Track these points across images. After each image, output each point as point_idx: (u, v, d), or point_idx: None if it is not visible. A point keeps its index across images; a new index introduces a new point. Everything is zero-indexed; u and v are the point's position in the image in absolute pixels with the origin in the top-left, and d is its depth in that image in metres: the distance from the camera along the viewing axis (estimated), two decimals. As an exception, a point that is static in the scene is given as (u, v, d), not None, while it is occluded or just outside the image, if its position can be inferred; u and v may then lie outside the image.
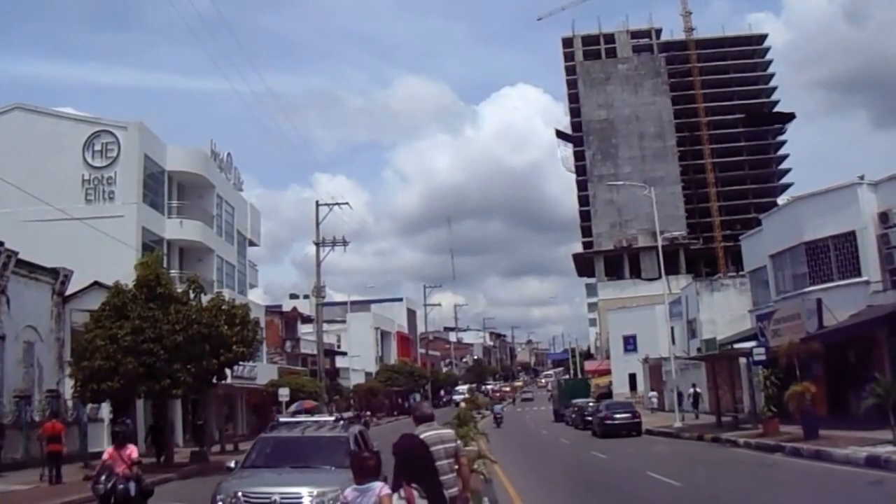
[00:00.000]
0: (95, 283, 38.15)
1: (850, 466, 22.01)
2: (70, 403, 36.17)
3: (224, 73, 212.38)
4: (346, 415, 21.74)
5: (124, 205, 44.47)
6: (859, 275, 35.29)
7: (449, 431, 10.26)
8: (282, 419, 18.83)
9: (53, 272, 38.15)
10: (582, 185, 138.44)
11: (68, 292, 39.19)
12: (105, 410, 36.96)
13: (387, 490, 7.38)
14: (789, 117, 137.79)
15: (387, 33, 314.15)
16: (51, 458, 27.71)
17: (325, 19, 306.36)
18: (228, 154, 57.75)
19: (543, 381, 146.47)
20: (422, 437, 9.46)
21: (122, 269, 34.21)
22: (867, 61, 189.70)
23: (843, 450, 23.75)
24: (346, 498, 7.63)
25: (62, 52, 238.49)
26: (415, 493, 7.40)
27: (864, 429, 26.64)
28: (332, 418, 17.74)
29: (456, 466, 9.75)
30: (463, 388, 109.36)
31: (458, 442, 10.36)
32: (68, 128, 46.24)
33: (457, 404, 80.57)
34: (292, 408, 50.16)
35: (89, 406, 35.88)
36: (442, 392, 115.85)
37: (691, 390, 51.80)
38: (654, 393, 67.48)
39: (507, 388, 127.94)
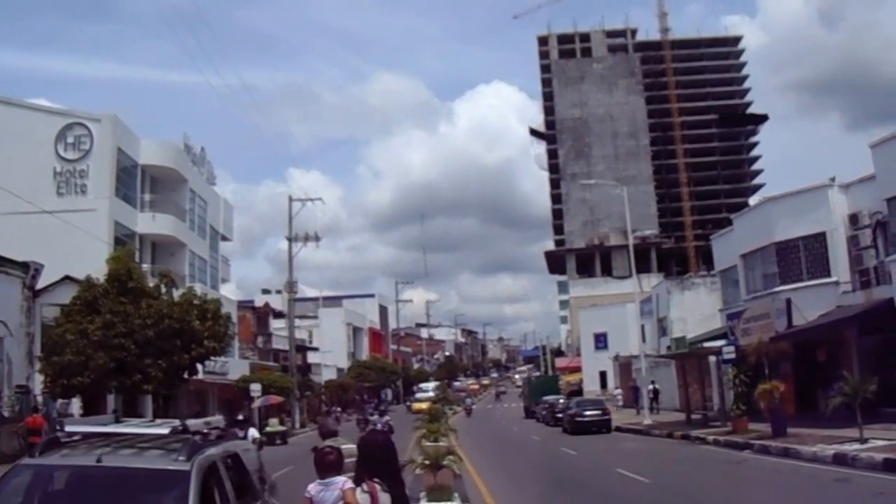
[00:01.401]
0: (66, 277, 37.62)
1: (817, 464, 22.24)
2: (40, 399, 35.83)
3: (199, 66, 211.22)
4: (212, 420, 15.97)
5: (96, 198, 44.00)
6: (829, 275, 35.61)
7: (352, 446, 10.64)
8: (70, 428, 10.19)
9: (24, 266, 37.70)
10: (555, 184, 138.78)
11: (39, 286, 38.69)
12: (75, 406, 36.38)
13: (350, 484, 7.44)
14: (762, 119, 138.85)
15: (363, 29, 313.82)
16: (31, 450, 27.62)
17: (301, 14, 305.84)
18: (202, 148, 57.45)
19: (517, 377, 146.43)
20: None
21: (94, 264, 34.07)
22: (841, 64, 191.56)
23: (810, 447, 23.99)
24: (310, 492, 7.74)
25: (35, 42, 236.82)
26: (377, 487, 7.43)
27: (832, 427, 26.91)
28: (169, 429, 10.47)
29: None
30: (429, 385, 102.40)
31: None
32: (40, 120, 45.62)
33: (408, 407, 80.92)
34: (257, 402, 50.14)
35: (59, 401, 35.56)
36: (414, 388, 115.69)
37: (650, 387, 52.18)
38: (620, 391, 67.81)
39: (476, 386, 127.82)
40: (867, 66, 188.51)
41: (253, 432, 17.35)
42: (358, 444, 8.01)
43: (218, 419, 10.36)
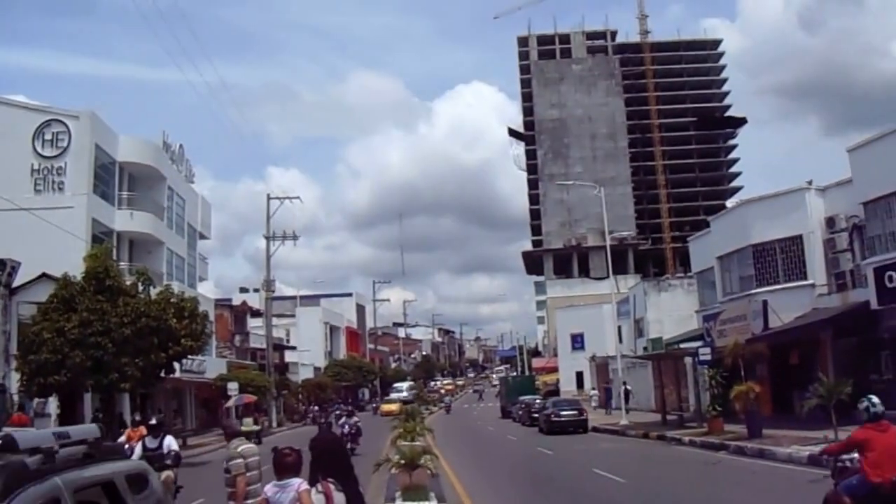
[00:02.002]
0: (43, 274, 37.35)
1: (792, 465, 22.46)
2: (16, 398, 35.64)
3: (179, 64, 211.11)
4: (72, 431, 8.03)
5: (74, 195, 43.58)
6: (805, 278, 35.84)
7: (253, 447, 11.53)
8: None
9: (0, 263, 37.61)
10: (533, 184, 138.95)
11: (15, 284, 38.43)
12: (52, 405, 36.42)
13: (305, 486, 7.56)
14: (741, 122, 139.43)
15: (343, 28, 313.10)
16: None
17: (281, 12, 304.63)
18: (180, 146, 57.18)
19: (494, 377, 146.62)
20: (238, 450, 10.93)
21: (72, 261, 33.95)
22: (820, 69, 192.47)
23: (786, 449, 24.21)
24: (266, 493, 7.84)
25: (13, 38, 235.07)
26: (332, 486, 7.57)
27: (807, 429, 27.10)
28: None
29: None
30: (402, 385, 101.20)
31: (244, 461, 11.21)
32: (18, 116, 45.17)
33: (375, 409, 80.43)
34: (231, 401, 49.86)
35: (36, 400, 35.47)
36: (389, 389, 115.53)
37: (622, 388, 52.61)
38: (596, 391, 67.99)
39: (451, 386, 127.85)
40: (846, 71, 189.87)
41: (171, 443, 15.24)
42: (310, 446, 8.10)
43: (89, 428, 7.16)
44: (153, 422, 18.36)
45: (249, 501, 10.52)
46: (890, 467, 10.04)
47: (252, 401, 51.35)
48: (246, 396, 50.08)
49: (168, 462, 16.82)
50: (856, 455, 10.92)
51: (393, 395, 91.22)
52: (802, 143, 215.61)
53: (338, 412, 51.16)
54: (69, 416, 37.47)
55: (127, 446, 15.41)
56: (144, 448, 16.64)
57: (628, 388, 53.63)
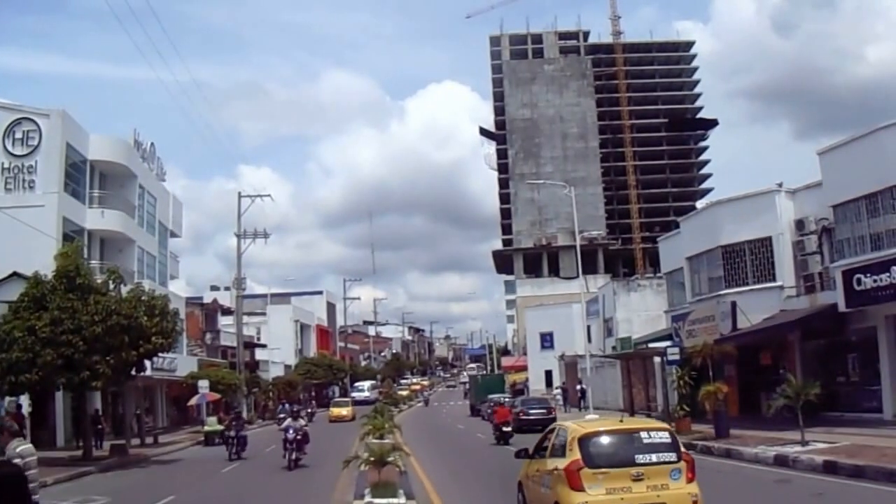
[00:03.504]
0: (14, 273, 37.11)
1: (759, 465, 22.59)
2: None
3: (150, 62, 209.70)
4: None
5: (45, 194, 43.18)
6: (774, 280, 36.02)
7: (31, 447, 11.12)
8: None
9: (-31, 263, 37.34)
10: (504, 183, 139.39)
11: (-14, 284, 38.34)
12: (24, 403, 36.28)
13: None
14: (712, 124, 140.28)
15: (315, 26, 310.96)
16: None
17: (252, 10, 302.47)
18: (152, 144, 56.71)
19: (465, 374, 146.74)
20: (17, 450, 10.57)
21: (42, 260, 33.76)
22: (793, 72, 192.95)
23: (752, 449, 24.33)
24: None
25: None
26: None
27: (775, 430, 27.28)
28: None
29: None
30: (364, 384, 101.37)
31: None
32: (-12, 115, 45.07)
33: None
34: (194, 399, 49.47)
35: (7, 399, 35.42)
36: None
37: (579, 387, 53.41)
38: (559, 391, 68.19)
39: (418, 386, 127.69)
40: (818, 74, 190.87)
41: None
42: None
43: None
44: None
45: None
46: None
47: (216, 398, 50.82)
48: (209, 394, 49.47)
49: None
50: None
51: (354, 395, 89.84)
52: (773, 146, 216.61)
53: (281, 415, 48.91)
54: (41, 415, 37.30)
55: None
56: None
57: (584, 387, 55.52)
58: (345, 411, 63.38)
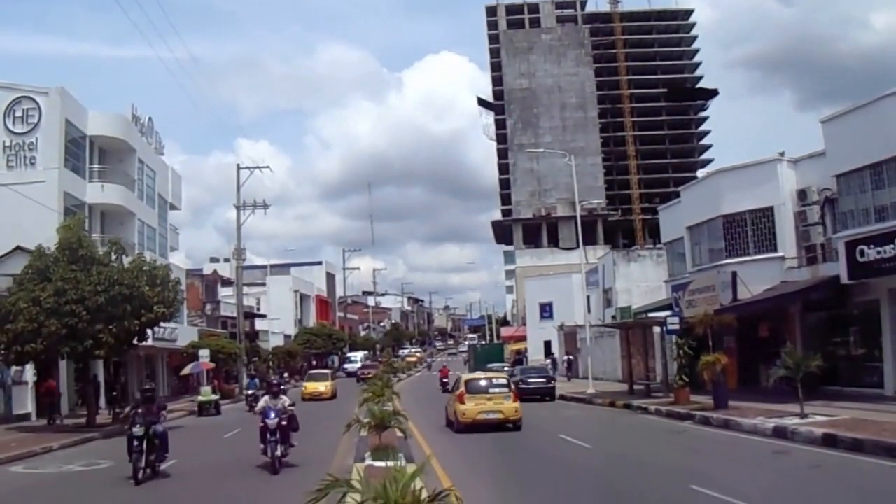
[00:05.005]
0: (18, 247, 37.78)
1: (757, 436, 22.54)
2: (-7, 367, 35.96)
3: (147, 39, 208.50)
4: None
5: (46, 170, 43.75)
6: (775, 250, 35.69)
7: None
8: None
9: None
10: (503, 154, 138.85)
11: (-10, 258, 38.56)
12: (29, 373, 37.07)
13: None
14: (712, 94, 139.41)
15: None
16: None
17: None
18: (149, 118, 56.77)
19: (466, 342, 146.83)
20: None
21: (45, 234, 34.11)
22: (795, 40, 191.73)
23: (751, 420, 24.23)
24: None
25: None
26: None
27: (774, 402, 27.25)
28: None
29: None
30: (357, 355, 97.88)
31: None
32: (-13, 95, 45.32)
33: (358, 377, 71.78)
34: (188, 368, 49.40)
35: (13, 368, 35.96)
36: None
37: (566, 358, 56.81)
38: (548, 361, 68.16)
39: (413, 358, 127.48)
40: (821, 42, 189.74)
41: None
42: None
43: None
44: None
45: None
46: None
47: (210, 367, 50.51)
48: (203, 363, 49.26)
49: None
50: None
51: (347, 367, 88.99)
52: (775, 116, 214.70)
53: (249, 391, 45.01)
54: (43, 382, 37.52)
55: None
56: None
57: (571, 358, 61.02)
58: (322, 387, 53.00)
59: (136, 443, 18.52)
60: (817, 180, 33.63)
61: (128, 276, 32.41)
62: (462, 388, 28.15)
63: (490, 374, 32.61)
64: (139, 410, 19.36)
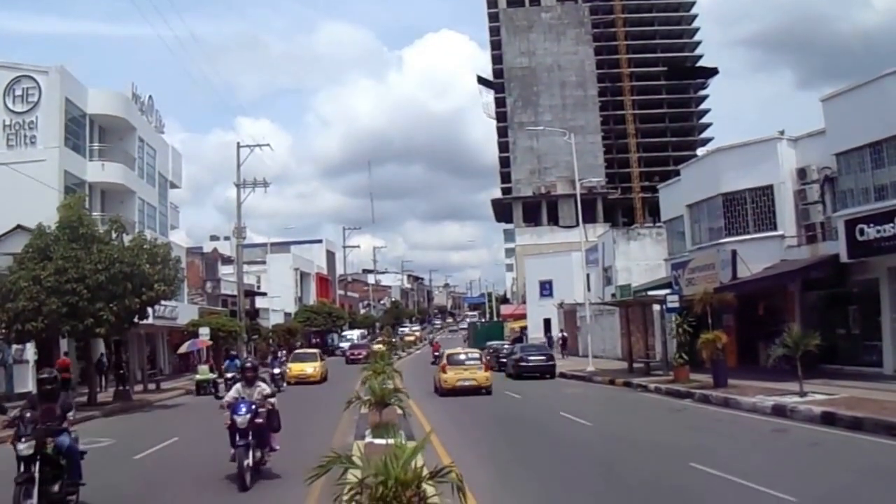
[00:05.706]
0: (18, 226, 37.76)
1: (756, 415, 22.67)
2: (-6, 345, 36.05)
3: (147, 17, 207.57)
4: None
5: (46, 149, 43.80)
6: (775, 228, 35.78)
7: None
8: None
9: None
10: (502, 132, 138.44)
11: (-9, 237, 38.59)
12: (30, 352, 37.09)
13: None
14: (712, 72, 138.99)
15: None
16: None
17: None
18: (150, 97, 56.67)
19: (467, 319, 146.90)
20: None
21: (46, 213, 34.05)
22: (795, 19, 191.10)
23: (750, 398, 24.33)
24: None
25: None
26: None
27: (773, 380, 27.36)
28: None
29: None
30: (354, 333, 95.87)
31: None
32: (-13, 74, 45.35)
33: (347, 357, 72.66)
34: (185, 346, 49.37)
35: (14, 347, 36.00)
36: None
37: (559, 335, 61.51)
38: (544, 339, 68.39)
39: (412, 337, 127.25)
40: (822, 21, 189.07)
41: None
42: None
43: None
44: None
45: None
46: None
47: (207, 345, 50.11)
48: (200, 341, 48.89)
49: None
50: None
51: (343, 345, 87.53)
52: (775, 95, 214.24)
53: (228, 374, 36.57)
54: (46, 362, 37.64)
55: None
56: None
57: (565, 335, 63.69)
58: (310, 369, 47.99)
59: (22, 467, 11.85)
60: (817, 159, 33.65)
61: (128, 254, 32.40)
62: (444, 361, 37.06)
63: (467, 350, 43.50)
64: (28, 415, 12.13)
